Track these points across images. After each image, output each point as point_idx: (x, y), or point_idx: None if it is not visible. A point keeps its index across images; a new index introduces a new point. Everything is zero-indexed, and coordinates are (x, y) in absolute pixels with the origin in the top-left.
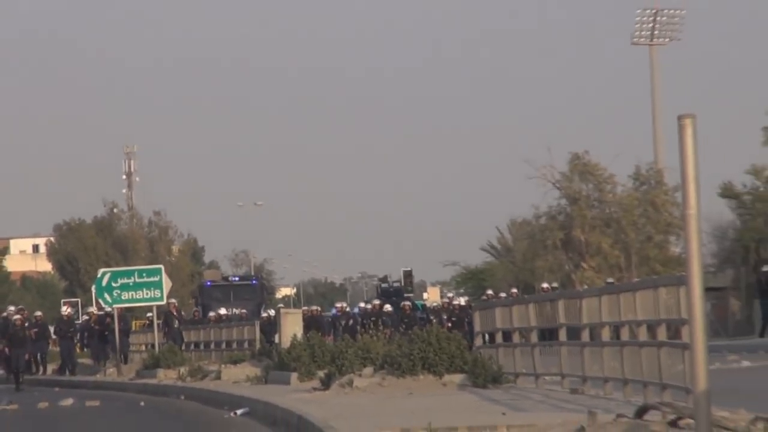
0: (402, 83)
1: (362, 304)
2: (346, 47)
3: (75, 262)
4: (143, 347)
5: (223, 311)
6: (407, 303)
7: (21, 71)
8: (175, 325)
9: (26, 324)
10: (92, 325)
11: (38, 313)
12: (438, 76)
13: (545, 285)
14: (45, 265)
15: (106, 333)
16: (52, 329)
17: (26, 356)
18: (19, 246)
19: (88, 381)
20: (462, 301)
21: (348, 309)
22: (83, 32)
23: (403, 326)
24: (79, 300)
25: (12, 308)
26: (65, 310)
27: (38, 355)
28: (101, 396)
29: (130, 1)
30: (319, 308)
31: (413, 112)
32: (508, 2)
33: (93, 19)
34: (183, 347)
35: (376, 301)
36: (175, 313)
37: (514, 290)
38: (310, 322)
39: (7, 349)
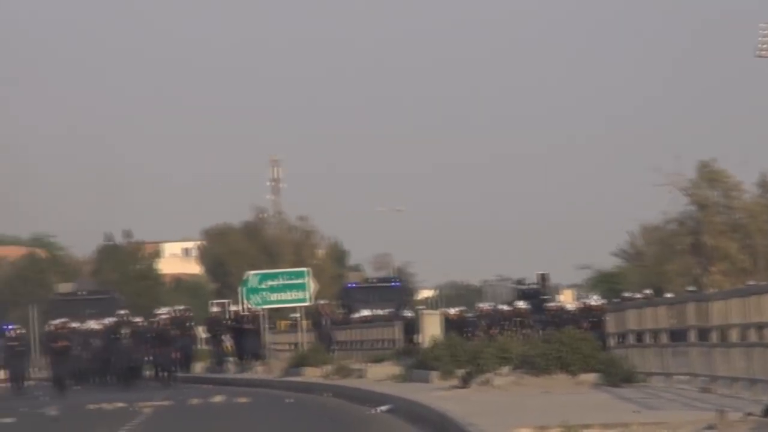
0: (538, 93)
1: (501, 306)
2: (491, 56)
3: (224, 265)
4: (288, 346)
5: (365, 312)
6: (552, 304)
7: (174, 84)
8: (325, 325)
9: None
10: (230, 323)
11: (179, 308)
12: (573, 87)
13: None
14: (195, 268)
15: (246, 331)
16: (201, 328)
17: (173, 354)
18: (171, 250)
19: (238, 378)
20: (595, 302)
21: (489, 310)
22: (236, 50)
23: (551, 326)
24: (228, 301)
25: (165, 309)
26: (214, 310)
27: (182, 352)
28: (250, 393)
29: (276, 19)
30: (464, 309)
31: (550, 120)
32: (629, 14)
33: (247, 38)
34: (333, 347)
35: (520, 303)
36: (325, 314)
37: (648, 291)
38: (456, 323)
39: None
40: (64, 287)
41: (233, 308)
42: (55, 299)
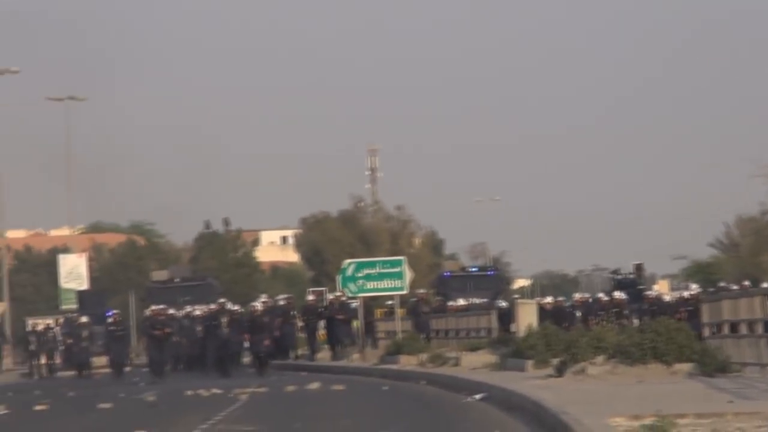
0: (642, 89)
1: (599, 295)
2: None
3: (321, 253)
4: (383, 334)
5: (461, 301)
6: (650, 293)
7: (274, 73)
8: (424, 313)
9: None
10: (323, 311)
11: (283, 296)
12: (670, 77)
13: None
14: (292, 256)
15: (337, 320)
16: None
17: (266, 342)
18: (269, 238)
19: (333, 366)
20: (691, 292)
21: (585, 299)
22: (332, 38)
23: (647, 315)
24: (324, 289)
25: (264, 297)
26: (310, 298)
27: (282, 340)
28: (345, 380)
29: (368, 10)
30: (562, 299)
31: (650, 114)
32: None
33: (340, 28)
34: (430, 335)
35: (616, 293)
36: (423, 303)
37: (746, 282)
38: (551, 312)
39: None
40: (159, 274)
41: (330, 296)
42: (151, 286)
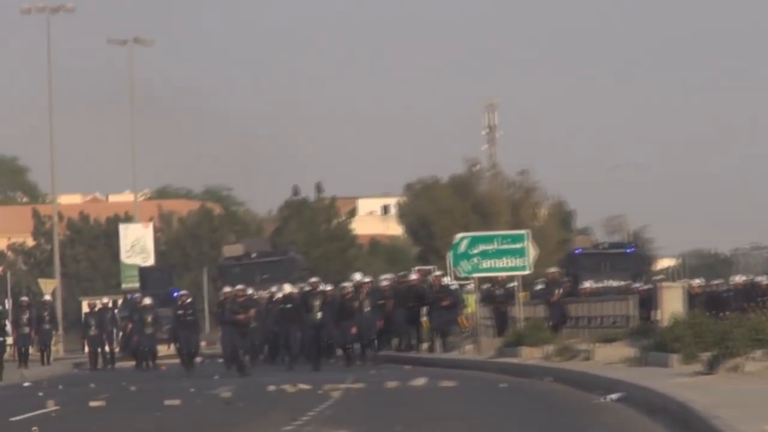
0: None
1: (758, 278)
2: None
3: (428, 226)
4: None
5: (587, 284)
6: None
7: (372, 22)
8: (555, 297)
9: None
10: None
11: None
12: None
13: None
14: (395, 228)
15: (438, 306)
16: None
17: (353, 329)
18: (368, 206)
19: (443, 359)
20: None
21: (744, 283)
22: None
23: None
24: (432, 267)
25: (358, 276)
26: (412, 277)
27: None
28: (456, 375)
29: None
30: (720, 281)
31: None
32: None
33: None
34: (562, 323)
35: None
36: (555, 283)
37: None
38: (701, 298)
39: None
40: (232, 249)
41: (436, 274)
42: (223, 263)
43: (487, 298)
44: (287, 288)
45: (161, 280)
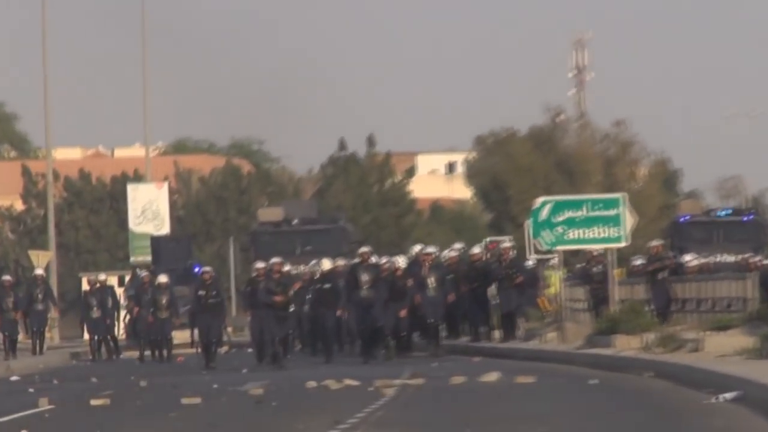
0: None
1: None
2: None
3: (503, 188)
4: (583, 304)
5: (692, 259)
6: None
7: None
8: (661, 276)
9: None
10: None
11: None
12: None
13: None
14: (463, 191)
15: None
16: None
17: (401, 313)
18: (430, 164)
19: (520, 349)
20: None
21: None
22: None
23: None
24: (507, 238)
25: (417, 247)
26: (475, 251)
27: (432, 310)
28: (536, 369)
29: None
30: None
31: None
32: None
33: None
34: (666, 308)
35: None
36: (659, 260)
37: None
38: None
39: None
40: (269, 213)
41: (505, 246)
42: (257, 230)
43: (582, 277)
44: (326, 264)
45: (178, 252)
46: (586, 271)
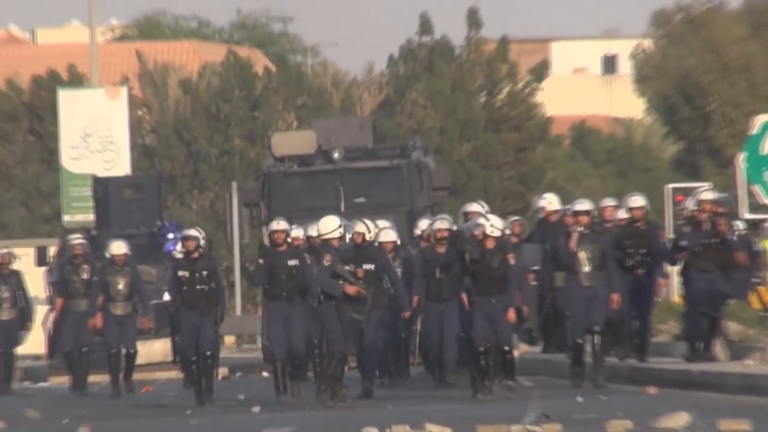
0: None
1: None
2: None
3: (698, 98)
4: None
5: None
6: None
7: None
8: None
9: None
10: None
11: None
12: None
13: None
14: (628, 103)
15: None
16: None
17: (510, 311)
18: (572, 58)
19: (723, 374)
20: None
21: None
22: None
23: None
24: (708, 185)
25: (544, 199)
26: (635, 206)
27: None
28: (752, 407)
29: None
30: None
31: None
32: None
33: None
34: None
35: None
36: None
37: None
38: None
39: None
40: (291, 141)
41: (706, 196)
42: (272, 171)
43: None
44: (359, 227)
45: (141, 205)
46: None
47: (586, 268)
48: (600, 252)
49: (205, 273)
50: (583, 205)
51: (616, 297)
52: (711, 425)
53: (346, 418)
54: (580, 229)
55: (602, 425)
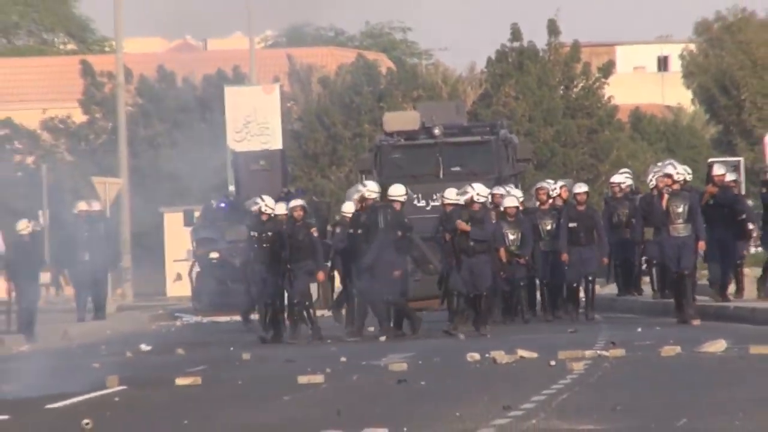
0: None
1: None
2: None
3: (733, 89)
4: None
5: None
6: None
7: None
8: None
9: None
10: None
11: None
12: None
13: None
14: (678, 94)
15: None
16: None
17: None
18: (633, 58)
19: (759, 309)
20: None
21: None
22: None
23: None
24: (739, 160)
25: (581, 187)
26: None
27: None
28: None
29: None
30: None
31: None
32: None
33: None
34: None
35: None
36: None
37: None
38: None
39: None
40: (399, 119)
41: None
42: (383, 144)
43: None
44: (450, 194)
45: (268, 176)
46: None
47: (679, 221)
48: (688, 207)
49: (305, 222)
50: (667, 168)
51: (701, 244)
52: (744, 350)
53: (452, 346)
54: (671, 189)
55: (657, 349)
